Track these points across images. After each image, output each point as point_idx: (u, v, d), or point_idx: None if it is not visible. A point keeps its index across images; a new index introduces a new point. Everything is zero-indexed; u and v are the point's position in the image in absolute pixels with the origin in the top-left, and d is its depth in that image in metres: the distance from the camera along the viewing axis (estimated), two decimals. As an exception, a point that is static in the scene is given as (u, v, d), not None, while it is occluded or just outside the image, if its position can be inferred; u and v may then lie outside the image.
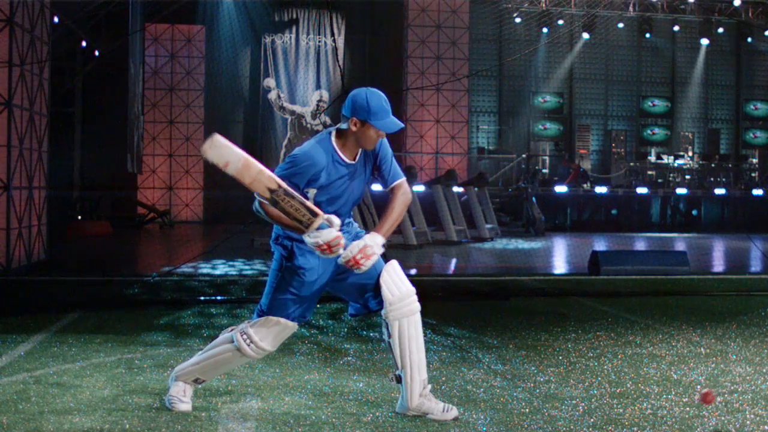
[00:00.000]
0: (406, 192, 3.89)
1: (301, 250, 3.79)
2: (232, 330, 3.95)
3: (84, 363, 4.98)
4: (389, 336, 3.85)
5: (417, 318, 3.87)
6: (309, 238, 3.60)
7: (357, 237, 3.79)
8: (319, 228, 3.59)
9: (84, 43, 18.75)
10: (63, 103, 19.04)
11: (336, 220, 3.64)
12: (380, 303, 3.86)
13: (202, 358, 3.98)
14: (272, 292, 3.85)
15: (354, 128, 3.73)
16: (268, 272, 3.94)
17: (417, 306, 3.88)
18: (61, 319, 6.53)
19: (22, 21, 10.44)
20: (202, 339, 5.84)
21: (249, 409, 4.04)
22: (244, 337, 3.84)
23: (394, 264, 3.91)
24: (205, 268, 10.67)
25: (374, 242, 3.70)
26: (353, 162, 3.81)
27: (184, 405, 3.96)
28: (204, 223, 21.97)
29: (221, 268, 10.80)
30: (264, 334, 3.84)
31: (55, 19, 15.13)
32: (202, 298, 7.93)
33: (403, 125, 3.84)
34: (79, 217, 18.48)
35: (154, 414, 3.89)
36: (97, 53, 19.32)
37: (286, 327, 3.86)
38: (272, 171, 3.64)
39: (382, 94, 3.76)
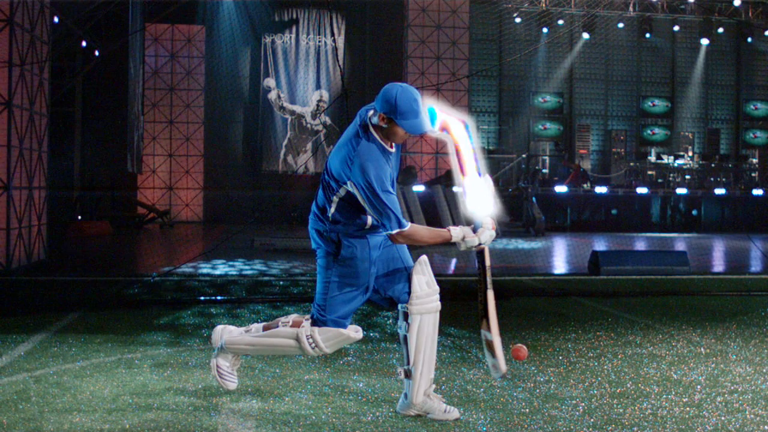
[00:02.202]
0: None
1: (348, 241, 3.81)
2: (295, 326, 3.93)
3: (84, 363, 4.98)
4: (407, 330, 3.88)
5: (437, 317, 3.94)
6: (482, 237, 3.81)
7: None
8: (467, 239, 3.79)
9: (84, 43, 18.75)
10: (63, 103, 19.03)
11: (463, 230, 3.81)
12: (405, 295, 3.89)
13: (259, 342, 4.00)
14: (327, 291, 3.87)
15: (382, 123, 3.72)
16: (317, 272, 3.93)
17: (439, 305, 3.94)
18: (61, 319, 6.53)
19: (22, 21, 10.44)
20: (202, 339, 5.84)
21: (249, 409, 4.03)
22: (310, 341, 3.88)
23: (425, 259, 3.96)
24: (205, 268, 10.67)
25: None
26: (393, 150, 3.83)
27: (232, 384, 4.11)
28: (204, 223, 21.97)
29: (221, 268, 10.80)
30: (330, 342, 3.89)
31: (55, 19, 15.14)
32: (202, 298, 7.93)
33: (431, 128, 3.83)
34: (79, 217, 18.48)
35: (154, 414, 3.89)
36: (97, 53, 19.32)
37: (351, 339, 3.92)
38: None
39: (414, 93, 3.69)
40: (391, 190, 3.68)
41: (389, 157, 3.77)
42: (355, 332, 3.91)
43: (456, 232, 3.78)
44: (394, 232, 3.65)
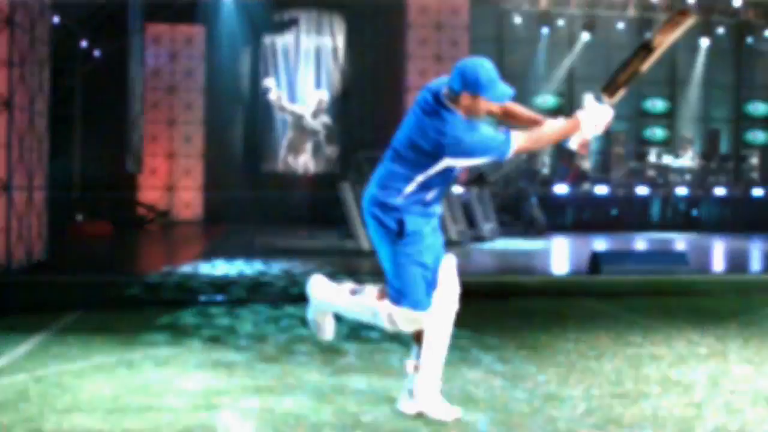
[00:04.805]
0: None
1: (409, 217, 3.81)
2: (379, 297, 3.93)
3: (84, 363, 4.98)
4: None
5: (452, 316, 3.97)
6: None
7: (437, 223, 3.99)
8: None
9: (84, 43, 18.75)
10: (63, 103, 19.01)
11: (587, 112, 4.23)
12: None
13: (343, 303, 4.01)
14: (399, 271, 3.83)
15: (465, 102, 3.73)
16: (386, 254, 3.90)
17: (457, 305, 3.97)
18: (61, 319, 6.53)
19: (22, 21, 10.44)
20: (202, 339, 5.84)
21: (249, 409, 4.03)
22: (387, 317, 3.86)
23: (452, 257, 4.00)
24: (205, 268, 10.67)
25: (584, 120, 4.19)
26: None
27: (329, 334, 4.17)
28: (204, 223, 21.97)
29: (221, 268, 10.80)
30: (405, 323, 3.86)
31: (55, 19, 15.14)
32: (202, 298, 7.93)
33: (514, 91, 3.96)
34: (79, 218, 18.46)
35: (154, 414, 3.89)
36: (97, 53, 19.31)
37: (421, 321, 3.91)
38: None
39: (486, 62, 3.78)
40: (490, 134, 3.77)
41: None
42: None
43: (584, 116, 4.07)
44: (511, 154, 3.83)
